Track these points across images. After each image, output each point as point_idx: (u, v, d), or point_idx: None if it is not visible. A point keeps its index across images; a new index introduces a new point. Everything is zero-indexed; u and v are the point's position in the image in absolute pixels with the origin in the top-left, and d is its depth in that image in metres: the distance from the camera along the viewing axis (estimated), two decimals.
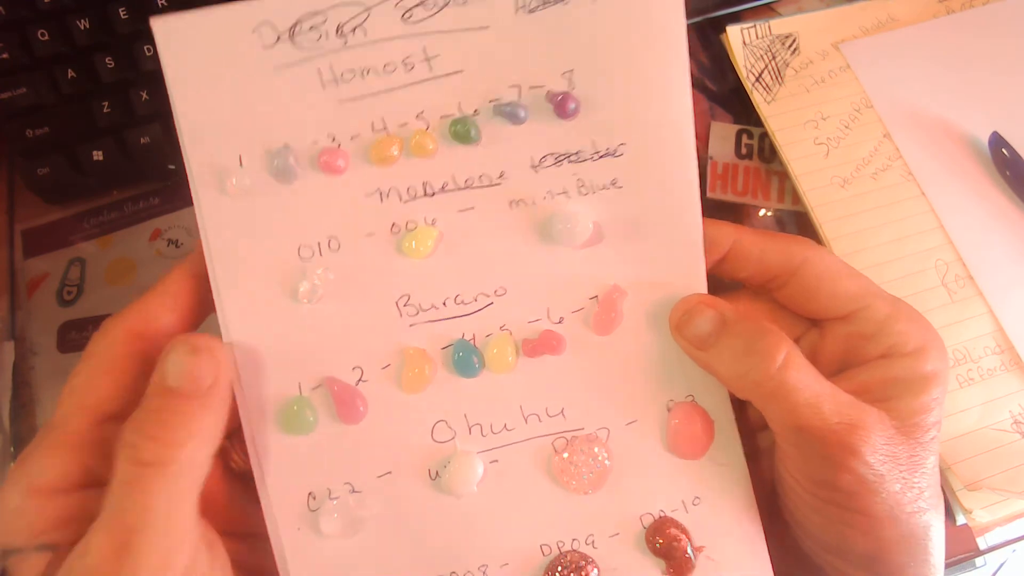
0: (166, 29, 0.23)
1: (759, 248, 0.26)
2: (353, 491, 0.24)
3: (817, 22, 0.46)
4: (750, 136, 0.44)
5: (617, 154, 0.24)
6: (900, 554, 0.24)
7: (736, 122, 0.44)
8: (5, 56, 0.39)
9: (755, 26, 0.45)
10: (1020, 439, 0.36)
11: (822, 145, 0.42)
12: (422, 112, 0.24)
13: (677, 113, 0.24)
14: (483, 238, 0.24)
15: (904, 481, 0.24)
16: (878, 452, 0.23)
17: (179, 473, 0.21)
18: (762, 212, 0.42)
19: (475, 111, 0.24)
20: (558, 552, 0.24)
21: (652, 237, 0.25)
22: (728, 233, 0.26)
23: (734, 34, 0.45)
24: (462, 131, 0.24)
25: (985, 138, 0.42)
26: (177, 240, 0.41)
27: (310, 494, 0.24)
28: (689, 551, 0.25)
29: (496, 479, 0.24)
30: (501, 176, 0.24)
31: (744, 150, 0.43)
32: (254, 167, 0.24)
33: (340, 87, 0.23)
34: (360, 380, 0.24)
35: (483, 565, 0.24)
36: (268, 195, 0.24)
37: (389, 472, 0.24)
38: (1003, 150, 0.40)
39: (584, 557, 0.24)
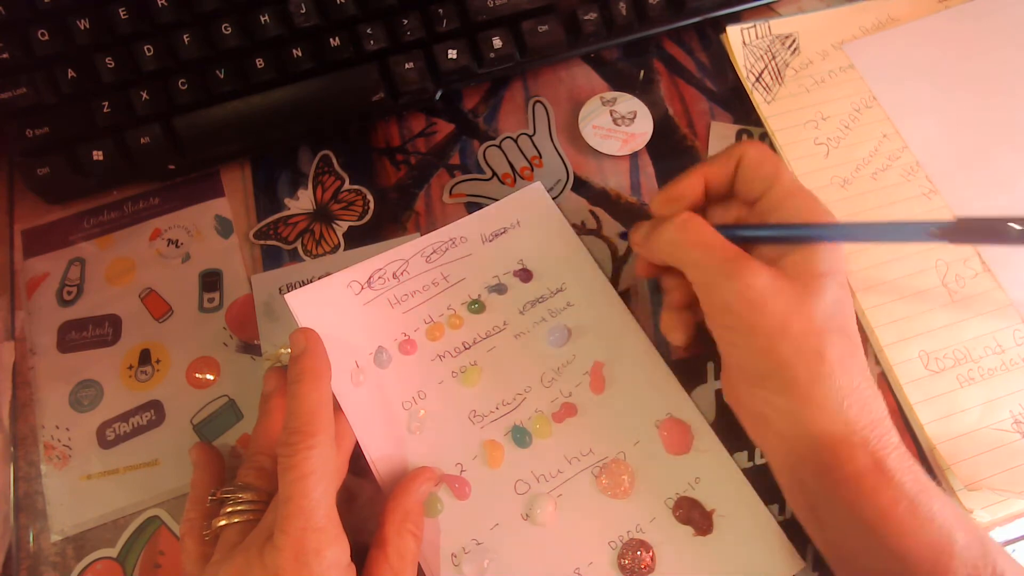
0: (296, 298, 0.36)
1: (722, 175, 0.33)
2: (478, 543, 0.33)
3: (817, 22, 0.46)
4: (750, 136, 0.44)
5: (563, 289, 0.39)
6: (796, 368, 0.28)
7: (736, 122, 0.44)
8: (5, 56, 0.39)
9: (755, 26, 0.45)
10: (1020, 439, 0.36)
11: (822, 145, 0.42)
12: (450, 304, 0.38)
13: (577, 255, 0.39)
14: (507, 362, 0.37)
15: (790, 305, 0.28)
16: (759, 277, 0.28)
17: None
18: None
19: (479, 295, 0.38)
20: (621, 543, 0.33)
21: (602, 323, 0.38)
22: (696, 185, 0.33)
23: (734, 34, 0.45)
24: (475, 307, 0.38)
25: (990, 128, 0.42)
26: (177, 240, 0.41)
27: (452, 554, 0.33)
28: (706, 515, 0.34)
29: (564, 507, 0.34)
30: (504, 324, 0.38)
31: None
32: (365, 364, 0.36)
33: (401, 305, 0.38)
34: (462, 471, 0.35)
35: (576, 569, 0.33)
36: (378, 378, 0.36)
37: (497, 524, 0.34)
38: None
39: (640, 541, 0.33)
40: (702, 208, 0.34)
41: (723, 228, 0.31)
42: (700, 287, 0.31)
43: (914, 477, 0.26)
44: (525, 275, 0.39)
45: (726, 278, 0.29)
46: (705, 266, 0.30)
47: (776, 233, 0.31)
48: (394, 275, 0.38)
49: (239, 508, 0.30)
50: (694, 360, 0.38)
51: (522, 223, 0.40)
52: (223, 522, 0.30)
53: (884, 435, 0.27)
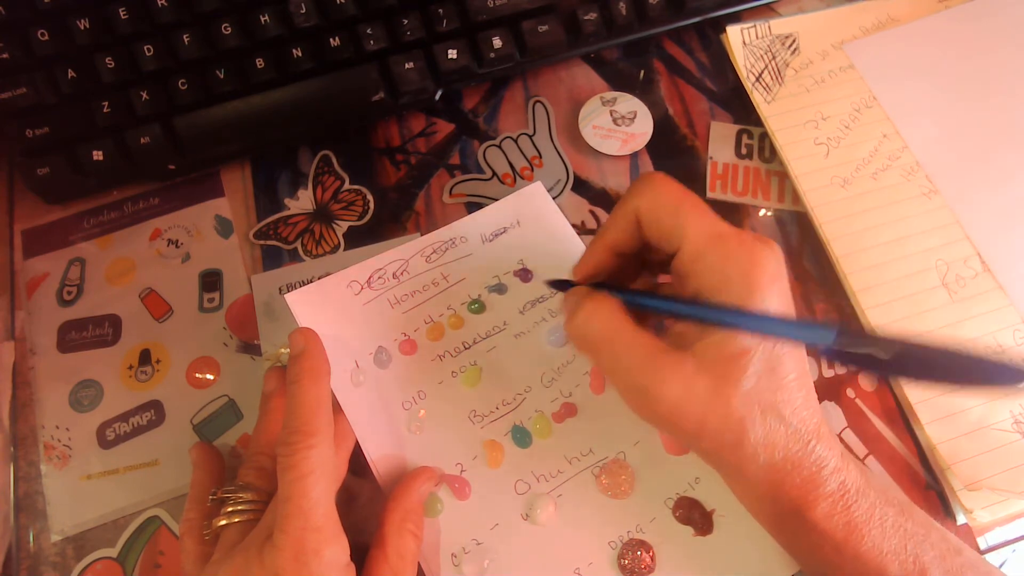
0: (296, 298, 0.36)
1: (628, 238, 0.30)
2: (478, 543, 0.33)
3: (817, 22, 0.46)
4: (750, 136, 0.44)
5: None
6: (718, 457, 0.28)
7: (736, 122, 0.44)
8: (5, 56, 0.39)
9: (755, 26, 0.45)
10: (1020, 439, 0.36)
11: (822, 145, 0.42)
12: (450, 304, 0.38)
13: (577, 255, 0.35)
14: (508, 362, 0.37)
15: (704, 406, 0.26)
16: (669, 388, 0.26)
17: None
18: (762, 212, 0.42)
19: (479, 295, 0.38)
20: (621, 543, 0.33)
21: None
22: (601, 261, 0.31)
23: (734, 34, 0.45)
24: (476, 307, 0.38)
25: (990, 128, 0.42)
26: (177, 240, 0.41)
27: (452, 554, 0.33)
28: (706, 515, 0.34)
29: (565, 507, 0.34)
30: (504, 324, 0.38)
31: (744, 150, 0.43)
32: (365, 365, 0.36)
33: (401, 305, 0.37)
34: (462, 471, 0.35)
35: (576, 568, 0.33)
36: (378, 378, 0.36)
37: (497, 524, 0.34)
38: None
39: (640, 541, 0.33)
40: (636, 262, 0.32)
41: (636, 297, 0.29)
42: (612, 381, 0.29)
43: (845, 521, 0.27)
44: (525, 275, 0.39)
45: (635, 392, 0.27)
46: (612, 369, 0.28)
47: (678, 310, 0.28)
48: (394, 275, 0.38)
49: (239, 508, 0.30)
50: None
51: (522, 223, 0.40)
52: (223, 522, 0.30)
53: (815, 489, 0.27)
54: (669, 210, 0.28)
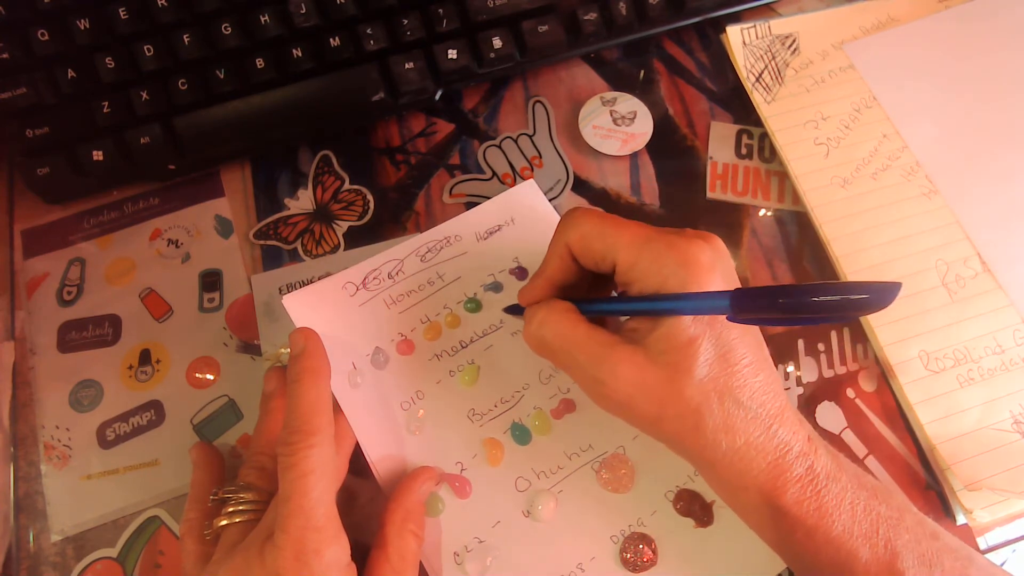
0: (292, 300, 0.36)
1: (566, 271, 0.31)
2: (480, 541, 0.33)
3: (817, 22, 0.46)
4: (750, 136, 0.44)
5: None
6: (680, 442, 0.28)
7: (736, 122, 0.44)
8: (5, 56, 0.39)
9: (755, 26, 0.45)
10: (1020, 439, 0.36)
11: (822, 145, 0.42)
12: (446, 303, 0.38)
13: None
14: (505, 360, 0.37)
15: (660, 396, 0.27)
16: (622, 380, 0.27)
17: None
18: (762, 212, 0.42)
19: (475, 293, 0.38)
20: (622, 537, 0.34)
21: None
22: (544, 292, 0.32)
23: (734, 34, 0.45)
24: (472, 306, 0.38)
25: (990, 128, 0.42)
26: (177, 240, 0.41)
27: (454, 553, 0.33)
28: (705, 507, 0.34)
29: (565, 502, 0.34)
30: (501, 322, 0.38)
31: (744, 150, 0.43)
32: (363, 366, 0.36)
33: (398, 305, 0.37)
34: (462, 469, 0.35)
35: (579, 563, 0.33)
36: (376, 379, 0.36)
37: (499, 521, 0.34)
38: None
39: (641, 534, 0.34)
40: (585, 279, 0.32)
41: (586, 304, 0.30)
42: (574, 379, 0.30)
43: (816, 506, 0.27)
44: (521, 273, 0.39)
45: (593, 384, 0.28)
46: (570, 366, 0.29)
47: (624, 308, 0.29)
48: (389, 275, 0.38)
49: (240, 508, 0.30)
50: None
51: (516, 221, 0.40)
52: (224, 522, 0.30)
53: (782, 474, 0.27)
54: (596, 235, 0.29)
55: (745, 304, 0.24)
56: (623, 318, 0.32)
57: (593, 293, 0.33)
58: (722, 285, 0.27)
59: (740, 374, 0.27)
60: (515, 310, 0.34)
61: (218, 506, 0.31)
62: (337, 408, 0.34)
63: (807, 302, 0.23)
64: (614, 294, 0.34)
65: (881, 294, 0.22)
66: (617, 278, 0.29)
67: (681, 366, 0.27)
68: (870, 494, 0.28)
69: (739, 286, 0.28)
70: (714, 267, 0.27)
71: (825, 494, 0.27)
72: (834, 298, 0.22)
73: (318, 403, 0.30)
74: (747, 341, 0.28)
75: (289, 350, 0.33)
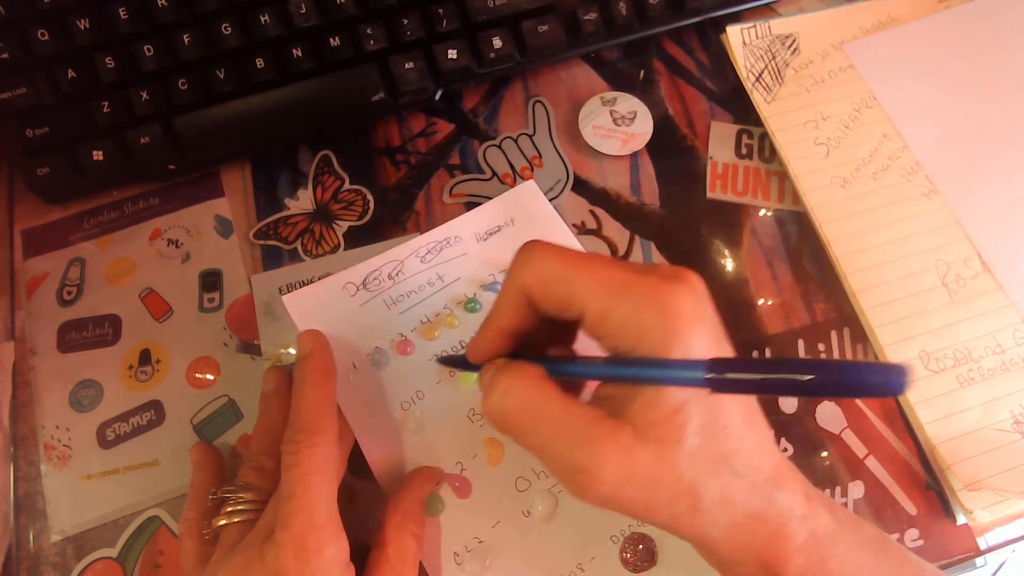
0: (293, 300, 0.37)
1: (522, 319, 0.27)
2: (480, 541, 0.33)
3: (817, 22, 0.46)
4: (750, 136, 0.44)
5: None
6: (676, 527, 0.25)
7: (736, 122, 0.44)
8: (5, 56, 0.39)
9: (755, 26, 0.45)
10: (1020, 439, 0.36)
11: (822, 145, 0.42)
12: (446, 304, 0.38)
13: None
14: None
15: (649, 482, 0.23)
16: (606, 472, 0.23)
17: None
18: (762, 212, 0.42)
19: (474, 294, 0.38)
20: (622, 537, 0.34)
21: None
22: (497, 346, 0.28)
23: (734, 34, 0.45)
24: (471, 306, 0.38)
25: (990, 129, 0.42)
26: (177, 240, 0.41)
27: (454, 553, 0.33)
28: None
29: (565, 503, 0.34)
30: None
31: (744, 150, 0.43)
32: (363, 365, 0.36)
33: (398, 305, 0.38)
34: (462, 469, 0.35)
35: (579, 564, 0.33)
36: (375, 378, 0.36)
37: (499, 521, 0.34)
38: None
39: (641, 534, 0.34)
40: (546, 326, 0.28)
41: (557, 365, 0.26)
42: (544, 463, 0.25)
43: (820, 574, 0.25)
44: None
45: (572, 474, 0.24)
46: (541, 448, 0.25)
47: (605, 373, 0.25)
48: (389, 276, 0.38)
49: (240, 508, 0.30)
50: None
51: (516, 221, 0.40)
52: (223, 521, 0.30)
53: (784, 544, 0.24)
54: (559, 278, 0.25)
55: (730, 387, 0.22)
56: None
57: (553, 341, 0.29)
58: (705, 340, 0.24)
59: (733, 436, 0.24)
60: (461, 363, 0.31)
61: (217, 506, 0.31)
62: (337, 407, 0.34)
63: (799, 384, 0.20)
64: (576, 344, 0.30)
65: (893, 380, 0.20)
66: (585, 330, 0.25)
67: (670, 439, 0.23)
68: (872, 554, 0.26)
69: (721, 338, 0.25)
70: (697, 318, 0.24)
71: (829, 560, 0.25)
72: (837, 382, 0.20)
73: (324, 403, 0.30)
74: (737, 399, 0.25)
75: (290, 350, 0.33)
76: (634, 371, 0.24)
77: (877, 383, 0.20)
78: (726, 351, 0.24)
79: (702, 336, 0.23)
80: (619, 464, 0.23)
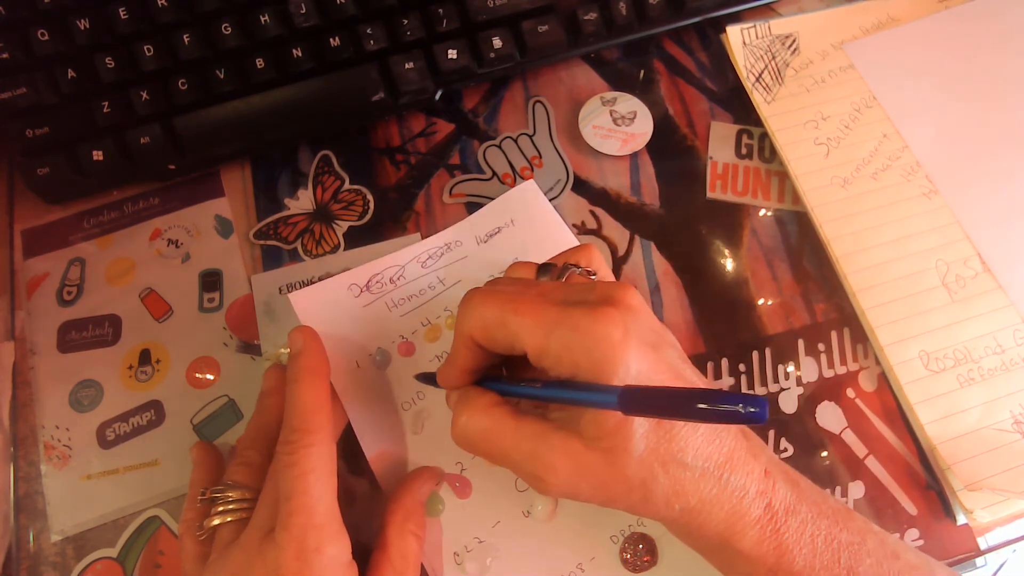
0: (299, 298, 0.36)
1: (476, 358, 0.29)
2: (480, 541, 0.34)
3: (817, 22, 0.46)
4: (750, 136, 0.44)
5: None
6: (636, 511, 0.27)
7: (736, 122, 0.44)
8: (5, 56, 0.39)
9: (755, 26, 0.45)
10: (1020, 439, 0.36)
11: (822, 145, 0.42)
12: (447, 307, 0.38)
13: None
14: None
15: (602, 483, 0.26)
16: (558, 478, 0.26)
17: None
18: (762, 212, 0.42)
19: None
20: (622, 537, 0.34)
21: None
22: (459, 380, 0.30)
23: (734, 34, 0.45)
24: None
25: (990, 129, 0.42)
26: (177, 240, 0.41)
27: (455, 553, 0.33)
28: None
29: (565, 502, 0.34)
30: None
31: (744, 150, 0.43)
32: (366, 365, 0.36)
33: (400, 308, 0.38)
34: (463, 469, 0.35)
35: (579, 564, 0.33)
36: (377, 378, 0.36)
37: (499, 521, 0.34)
38: None
39: (641, 535, 0.34)
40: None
41: (509, 387, 0.29)
42: (514, 473, 0.29)
43: (775, 545, 0.26)
44: None
45: (532, 479, 0.27)
46: (505, 463, 0.28)
47: (545, 395, 0.28)
48: (391, 280, 0.38)
49: (230, 507, 0.30)
50: (693, 358, 0.38)
51: (516, 222, 0.40)
52: (216, 521, 0.30)
53: (739, 520, 0.26)
54: (497, 324, 0.27)
55: (634, 409, 0.24)
56: None
57: (516, 361, 0.31)
58: (637, 362, 0.25)
59: (679, 436, 0.26)
60: (433, 382, 0.33)
61: (207, 505, 0.31)
62: (335, 400, 0.34)
63: (694, 410, 0.22)
64: None
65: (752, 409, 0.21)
66: (532, 363, 0.27)
67: (617, 448, 0.26)
68: (831, 522, 0.27)
69: (655, 348, 0.27)
70: (626, 342, 0.25)
71: (784, 531, 0.27)
72: (715, 408, 0.21)
73: (317, 402, 0.30)
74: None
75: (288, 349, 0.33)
76: (565, 395, 0.26)
77: (743, 414, 0.21)
78: (663, 361, 0.26)
79: (624, 362, 0.25)
80: (571, 469, 0.26)
